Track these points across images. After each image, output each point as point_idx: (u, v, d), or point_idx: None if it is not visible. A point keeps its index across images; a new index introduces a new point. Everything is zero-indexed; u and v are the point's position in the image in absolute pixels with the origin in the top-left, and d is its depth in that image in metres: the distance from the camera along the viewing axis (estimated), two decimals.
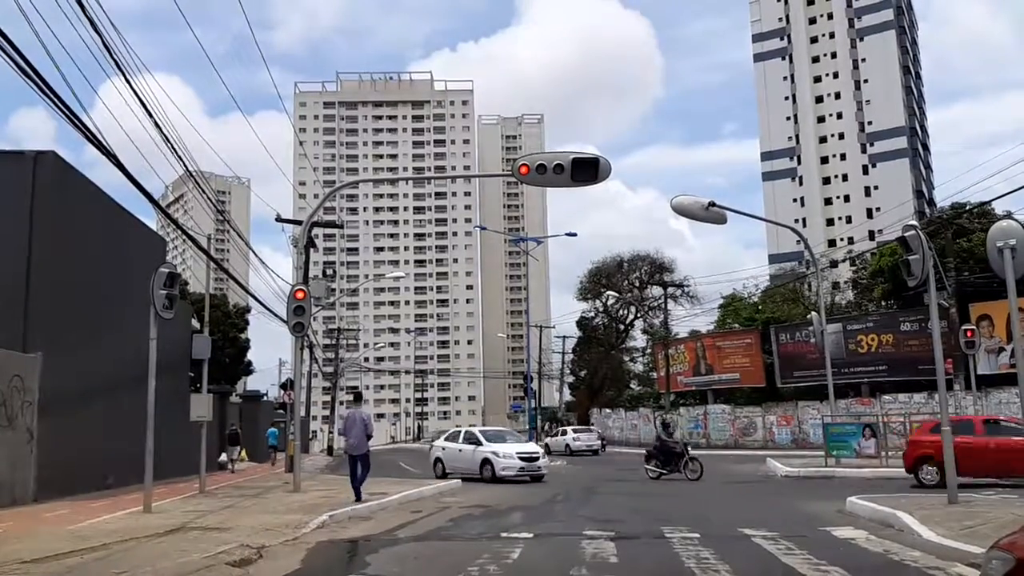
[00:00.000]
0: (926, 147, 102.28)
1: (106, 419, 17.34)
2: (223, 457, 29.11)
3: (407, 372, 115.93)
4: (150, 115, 13.73)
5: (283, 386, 43.08)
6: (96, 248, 17.97)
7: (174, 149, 15.18)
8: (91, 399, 16.92)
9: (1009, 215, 25.82)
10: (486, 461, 20.88)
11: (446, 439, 23.78)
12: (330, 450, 51.35)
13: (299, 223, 27.70)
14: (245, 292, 28.37)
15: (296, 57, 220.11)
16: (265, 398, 47.11)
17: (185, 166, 16.16)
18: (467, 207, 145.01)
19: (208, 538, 9.35)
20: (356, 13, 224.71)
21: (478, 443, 21.75)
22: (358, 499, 13.67)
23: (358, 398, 15.78)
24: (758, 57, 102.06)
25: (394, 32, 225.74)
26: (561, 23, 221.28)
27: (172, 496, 15.44)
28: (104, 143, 12.14)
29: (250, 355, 55.19)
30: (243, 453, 32.38)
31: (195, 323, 26.41)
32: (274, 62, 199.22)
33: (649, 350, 59.76)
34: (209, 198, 21.14)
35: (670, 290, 54.20)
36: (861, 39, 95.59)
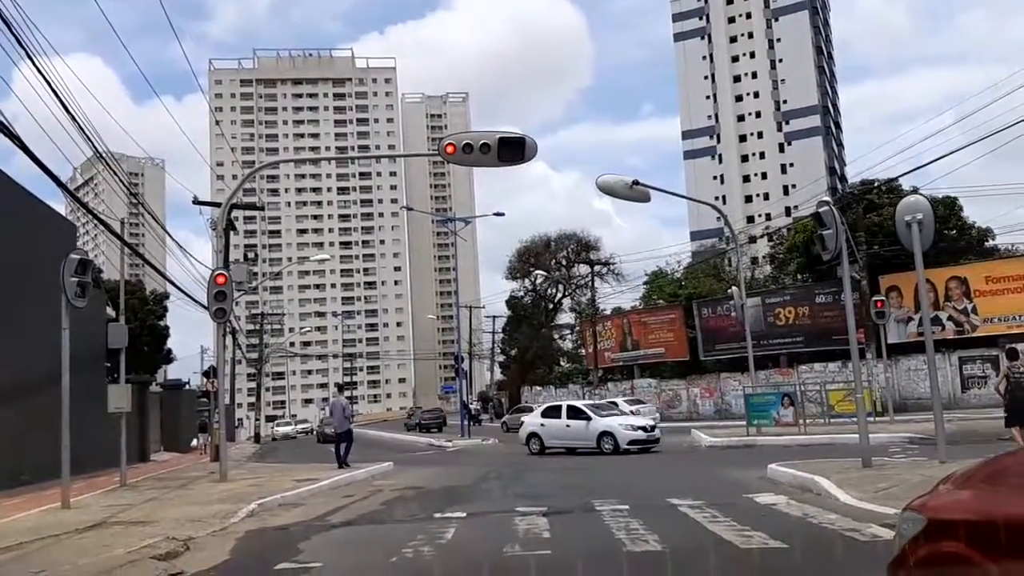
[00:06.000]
0: (838, 125, 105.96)
1: (18, 414, 16.57)
2: (195, 442, 35.24)
3: (335, 356, 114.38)
4: (54, 92, 13.06)
5: (206, 374, 41.97)
6: None
7: (82, 128, 14.50)
8: (1, 394, 16.13)
9: (916, 190, 27.05)
10: (605, 434, 20.68)
11: (543, 415, 22.91)
12: (257, 437, 50.36)
13: (218, 205, 26.81)
14: (163, 278, 27.42)
15: (228, 43, 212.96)
16: (187, 387, 45.84)
17: (94, 146, 15.45)
18: (393, 187, 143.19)
19: (131, 532, 9.07)
20: None
21: (587, 417, 21.36)
22: (344, 465, 17.68)
23: (340, 388, 20.55)
24: (678, 36, 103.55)
25: (319, 11, 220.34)
26: (485, 5, 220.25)
27: (92, 491, 14.90)
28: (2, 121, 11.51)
29: (170, 343, 53.55)
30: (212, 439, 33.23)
31: (110, 311, 25.46)
32: (208, 48, 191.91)
33: (577, 327, 60.47)
34: (121, 180, 20.30)
35: (596, 268, 54.84)
36: (776, 19, 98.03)
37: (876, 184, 34.97)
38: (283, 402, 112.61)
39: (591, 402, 25.71)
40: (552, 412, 22.74)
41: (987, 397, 27.34)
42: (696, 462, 16.82)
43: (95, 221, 21.46)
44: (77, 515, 10.94)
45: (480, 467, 18.58)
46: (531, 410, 45.09)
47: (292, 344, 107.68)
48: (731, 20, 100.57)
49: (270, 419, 69.36)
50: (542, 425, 22.42)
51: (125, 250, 20.54)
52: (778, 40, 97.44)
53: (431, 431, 45.25)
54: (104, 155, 16.54)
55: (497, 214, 71.28)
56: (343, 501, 12.35)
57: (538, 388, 57.25)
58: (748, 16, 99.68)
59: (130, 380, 18.55)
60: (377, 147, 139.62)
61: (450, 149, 13.00)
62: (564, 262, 62.98)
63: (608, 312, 53.55)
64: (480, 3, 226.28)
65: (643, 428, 21.02)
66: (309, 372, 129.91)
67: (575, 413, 21.80)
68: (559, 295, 63.66)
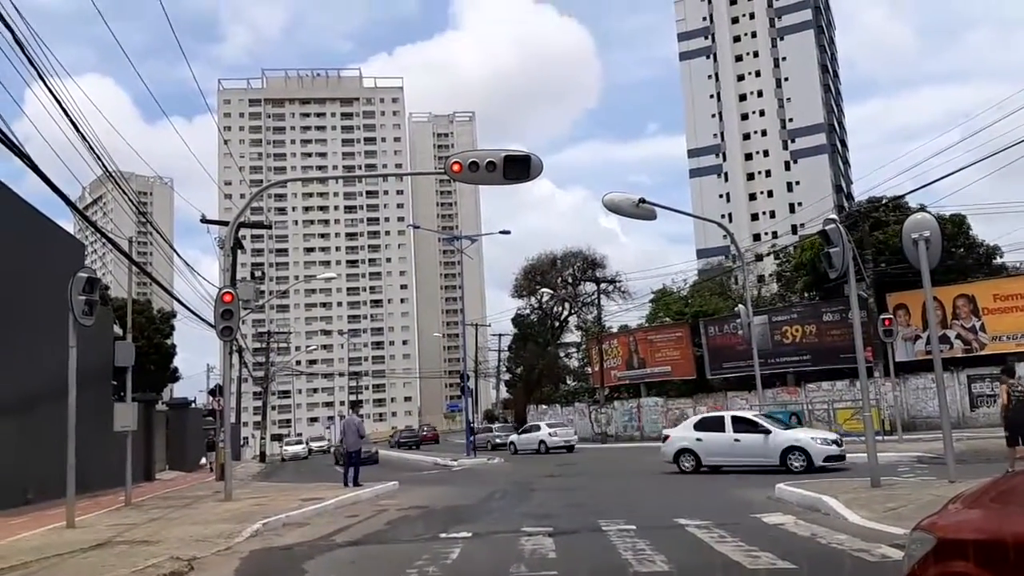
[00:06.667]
0: (844, 143, 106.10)
1: (24, 432, 16.59)
2: (204, 460, 37.14)
3: (341, 374, 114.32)
4: (65, 112, 13.18)
5: (212, 392, 41.96)
6: (8, 253, 17.16)
7: (91, 148, 14.61)
8: (7, 412, 16.16)
9: (923, 208, 27.01)
10: (793, 449, 17.42)
11: (698, 427, 19.55)
12: (263, 456, 50.24)
13: (225, 224, 26.96)
14: (170, 296, 27.50)
15: (237, 63, 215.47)
16: (193, 405, 45.82)
17: (103, 165, 15.57)
18: (399, 206, 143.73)
19: (136, 552, 9.04)
20: (293, 16, 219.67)
21: (765, 430, 18.05)
22: (355, 485, 17.57)
23: (354, 406, 19.34)
24: (683, 56, 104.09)
25: (327, 31, 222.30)
26: (493, 26, 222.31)
27: (97, 510, 14.88)
28: (10, 137, 11.60)
29: (176, 361, 53.75)
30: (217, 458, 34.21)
31: (117, 329, 25.54)
32: (218, 68, 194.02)
33: (584, 345, 60.36)
34: (129, 199, 20.42)
35: (603, 286, 54.95)
36: (781, 38, 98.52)
37: (883, 202, 34.93)
38: (289, 420, 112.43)
39: (759, 412, 21.27)
40: (711, 424, 19.34)
41: (996, 416, 27.05)
42: (703, 481, 16.70)
43: (103, 240, 21.59)
44: (82, 534, 10.91)
45: (485, 486, 18.50)
46: (489, 430, 46.53)
47: (298, 362, 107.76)
48: (736, 39, 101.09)
49: (276, 438, 69.17)
50: (699, 440, 19.00)
51: (133, 269, 20.64)
52: (783, 59, 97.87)
53: (411, 448, 49.95)
54: (113, 174, 16.66)
55: (503, 232, 71.09)
56: (348, 521, 12.30)
57: (544, 406, 57.05)
58: (753, 35, 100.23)
59: (136, 398, 18.56)
60: (384, 166, 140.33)
61: (456, 167, 13.07)
62: (570, 280, 63.02)
63: (614, 330, 53.49)
64: (487, 23, 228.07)
65: (835, 442, 17.74)
66: (315, 390, 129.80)
67: (746, 425, 18.46)
68: (565, 313, 63.62)
